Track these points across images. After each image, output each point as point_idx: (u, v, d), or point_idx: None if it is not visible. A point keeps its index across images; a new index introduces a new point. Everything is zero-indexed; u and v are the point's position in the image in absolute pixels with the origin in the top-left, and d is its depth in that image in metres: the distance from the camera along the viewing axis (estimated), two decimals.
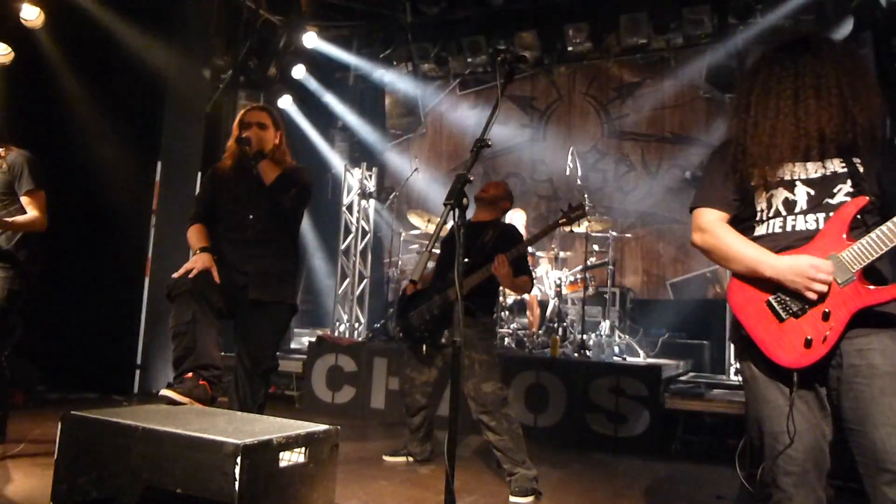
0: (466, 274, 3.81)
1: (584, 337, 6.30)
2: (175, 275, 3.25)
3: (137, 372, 6.32)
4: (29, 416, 4.87)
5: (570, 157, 7.14)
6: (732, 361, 6.40)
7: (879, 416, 1.85)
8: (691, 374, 6.59)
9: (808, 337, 1.90)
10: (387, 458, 4.45)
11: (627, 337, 6.72)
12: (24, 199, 3.77)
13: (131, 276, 6.34)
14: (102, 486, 2.35)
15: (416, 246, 8.34)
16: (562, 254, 7.16)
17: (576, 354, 6.09)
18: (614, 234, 7.12)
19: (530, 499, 3.68)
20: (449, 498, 1.70)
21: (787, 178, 2.02)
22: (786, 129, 2.00)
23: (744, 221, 2.12)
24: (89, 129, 6.31)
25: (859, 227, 1.94)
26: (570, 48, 8.34)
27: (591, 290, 6.89)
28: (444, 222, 1.90)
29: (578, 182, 7.14)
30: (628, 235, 7.96)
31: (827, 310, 1.90)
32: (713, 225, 2.10)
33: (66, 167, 6.13)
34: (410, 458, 4.43)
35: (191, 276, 3.21)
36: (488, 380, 3.83)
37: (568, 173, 7.11)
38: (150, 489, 1.46)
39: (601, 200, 8.14)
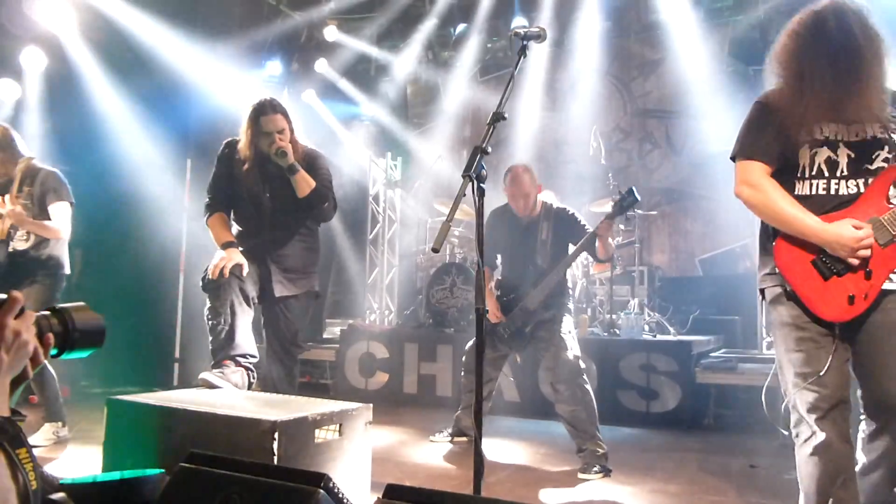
0: (541, 277, 4.01)
1: (614, 317, 6.31)
2: (210, 276, 3.28)
3: (176, 365, 6.50)
4: (75, 409, 5.05)
5: (592, 138, 7.12)
6: (764, 335, 6.35)
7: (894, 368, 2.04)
8: (723, 349, 6.55)
9: (851, 294, 2.05)
10: (433, 440, 4.51)
11: (657, 315, 6.70)
12: (51, 210, 4.01)
13: (167, 272, 6.51)
14: (147, 466, 2.45)
15: None
16: None
17: (605, 334, 6.10)
18: (640, 212, 7.08)
19: (599, 476, 3.66)
20: (477, 459, 1.76)
21: (832, 137, 2.12)
22: (829, 103, 2.06)
23: (783, 175, 2.18)
24: (124, 130, 6.45)
25: None
26: (589, 28, 8.29)
27: (618, 270, 6.88)
28: (463, 194, 1.95)
29: (602, 162, 7.12)
30: (654, 213, 7.92)
31: (869, 269, 2.04)
32: (763, 181, 2.16)
33: (104, 170, 6.30)
34: (461, 438, 4.47)
35: (226, 275, 3.25)
36: (568, 349, 3.88)
37: (591, 153, 7.09)
38: (194, 454, 1.54)
39: (626, 179, 8.06)
